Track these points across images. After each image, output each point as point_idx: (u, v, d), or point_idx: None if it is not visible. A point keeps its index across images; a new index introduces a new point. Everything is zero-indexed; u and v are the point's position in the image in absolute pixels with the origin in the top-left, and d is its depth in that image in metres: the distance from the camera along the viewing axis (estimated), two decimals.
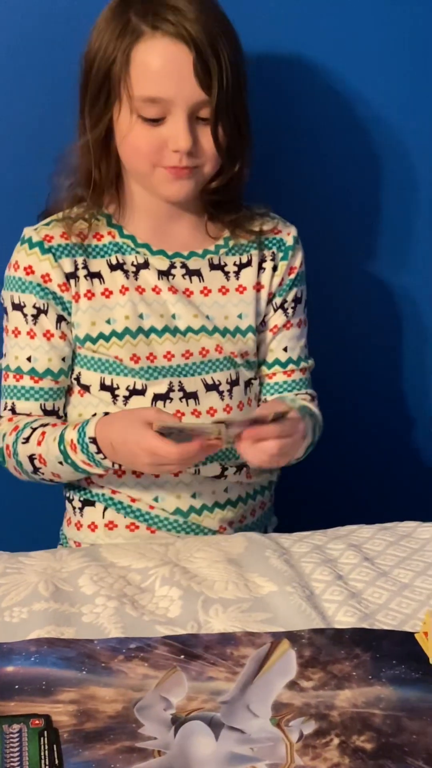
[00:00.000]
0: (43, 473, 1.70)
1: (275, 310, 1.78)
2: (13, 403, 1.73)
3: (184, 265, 1.73)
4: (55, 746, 1.15)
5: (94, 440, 1.60)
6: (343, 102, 1.99)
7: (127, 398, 1.69)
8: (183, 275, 1.72)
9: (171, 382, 1.70)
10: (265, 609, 1.41)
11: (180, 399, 1.70)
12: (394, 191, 2.07)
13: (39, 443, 1.66)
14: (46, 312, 1.70)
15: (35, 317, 1.70)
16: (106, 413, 1.66)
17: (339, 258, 2.08)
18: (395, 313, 2.14)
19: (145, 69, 1.59)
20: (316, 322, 1.85)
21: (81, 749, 1.16)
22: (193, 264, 1.73)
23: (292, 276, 1.79)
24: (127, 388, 1.69)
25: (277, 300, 1.78)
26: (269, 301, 1.77)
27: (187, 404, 1.71)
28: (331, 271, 2.04)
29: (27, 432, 1.68)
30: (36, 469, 1.70)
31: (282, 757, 1.16)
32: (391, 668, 1.30)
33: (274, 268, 1.77)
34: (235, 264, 1.75)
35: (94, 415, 1.69)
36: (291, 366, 1.80)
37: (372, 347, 2.15)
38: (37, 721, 1.19)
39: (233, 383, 1.74)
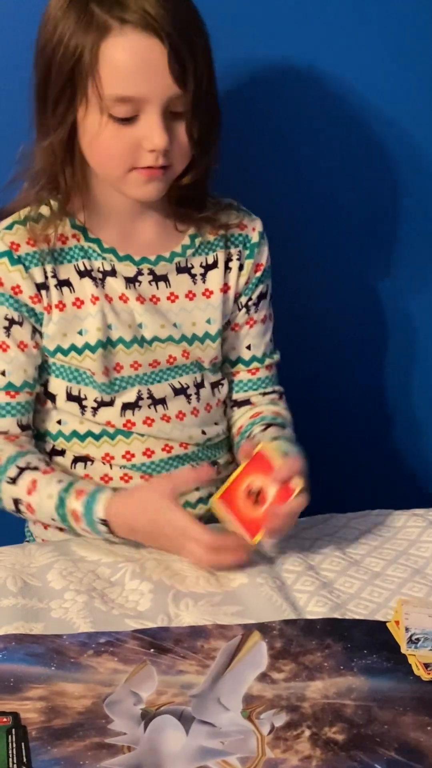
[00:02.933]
0: (24, 516, 1.62)
1: (240, 309, 1.73)
2: None
3: (151, 272, 1.65)
4: (23, 744, 1.14)
5: (105, 522, 1.51)
6: (318, 94, 1.95)
7: (95, 409, 1.64)
8: (150, 281, 1.65)
9: (140, 391, 1.65)
10: (235, 602, 1.40)
11: (149, 406, 1.66)
12: (363, 186, 2.05)
13: (29, 492, 1.56)
14: (20, 323, 1.61)
15: (7, 329, 1.60)
16: (115, 489, 1.57)
17: (308, 252, 2.06)
18: (360, 306, 2.13)
19: (116, 67, 1.47)
20: (281, 315, 1.83)
21: (49, 746, 1.14)
22: (160, 269, 1.65)
23: (259, 273, 1.72)
24: (95, 400, 1.64)
25: (243, 299, 1.72)
26: (235, 300, 1.72)
27: (156, 410, 1.66)
28: (297, 264, 2.02)
29: (12, 471, 1.58)
30: (19, 511, 1.60)
31: (253, 750, 1.15)
32: (363, 658, 1.29)
33: (240, 267, 1.70)
34: (201, 266, 1.68)
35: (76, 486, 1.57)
36: (255, 364, 1.76)
37: (334, 339, 2.13)
38: (4, 719, 1.17)
39: (199, 385, 1.70)
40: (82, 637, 1.33)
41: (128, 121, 1.49)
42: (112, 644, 1.31)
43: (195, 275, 1.68)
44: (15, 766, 1.11)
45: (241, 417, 1.77)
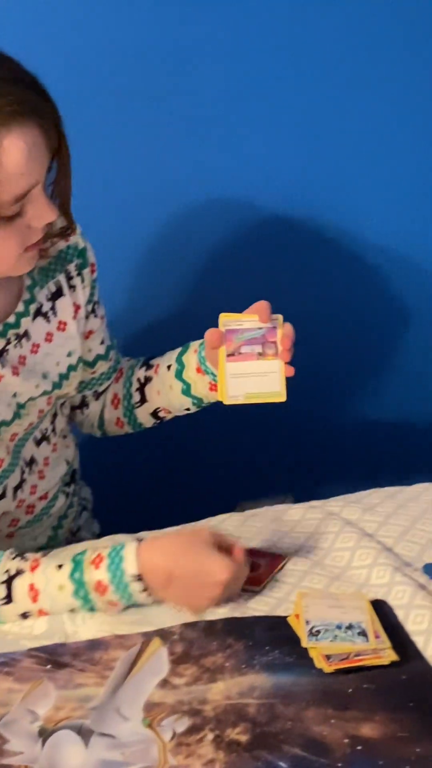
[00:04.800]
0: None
1: (87, 317, 1.62)
2: None
3: (16, 335, 1.50)
4: None
5: (139, 578, 1.35)
6: None
7: None
8: (15, 345, 1.50)
9: (22, 468, 1.58)
10: (134, 610, 1.37)
11: (28, 474, 1.60)
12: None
13: (35, 599, 1.36)
14: None
15: None
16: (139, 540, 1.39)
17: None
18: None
19: (7, 170, 1.29)
20: None
21: None
22: (22, 328, 1.51)
23: (94, 274, 1.61)
24: None
25: (89, 306, 1.61)
26: (86, 316, 1.61)
27: (30, 471, 1.60)
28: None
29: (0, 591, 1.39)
30: (26, 619, 1.39)
31: (155, 758, 1.12)
32: (265, 655, 1.27)
33: (82, 280, 1.58)
34: (47, 299, 1.54)
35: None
36: (111, 353, 1.70)
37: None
38: None
39: (54, 417, 1.64)
40: None
41: (18, 213, 1.34)
42: (7, 664, 1.28)
43: (46, 313, 1.54)
44: None
45: (110, 388, 1.72)
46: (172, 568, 1.34)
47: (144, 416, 1.69)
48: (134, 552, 1.35)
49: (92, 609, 1.37)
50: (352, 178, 2.07)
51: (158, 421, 1.70)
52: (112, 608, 1.37)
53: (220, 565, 1.33)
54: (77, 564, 1.36)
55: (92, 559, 1.36)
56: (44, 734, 1.16)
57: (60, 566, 1.37)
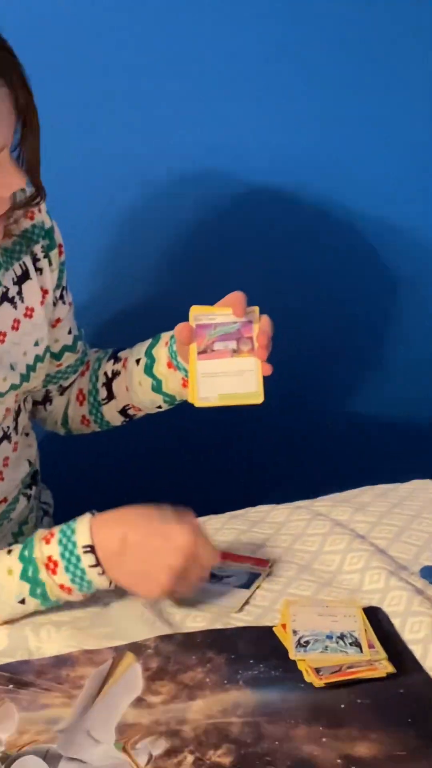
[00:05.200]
0: None
1: (55, 304, 1.54)
2: None
3: None
4: None
5: (91, 549, 1.29)
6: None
7: None
8: None
9: None
10: (104, 623, 1.29)
11: None
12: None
13: None
14: None
15: None
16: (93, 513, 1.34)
17: None
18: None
19: None
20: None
21: None
22: None
23: (62, 256, 1.53)
24: None
25: (57, 292, 1.54)
26: (54, 302, 1.54)
27: None
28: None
29: None
30: None
31: None
32: (249, 669, 1.20)
33: (50, 263, 1.51)
34: (13, 282, 1.46)
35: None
36: (78, 344, 1.61)
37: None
38: None
39: (17, 414, 1.54)
40: None
41: None
42: None
43: (13, 298, 1.46)
44: None
45: (76, 383, 1.64)
46: (125, 532, 1.28)
47: (112, 414, 1.60)
48: (87, 522, 1.29)
49: (44, 598, 1.28)
50: (347, 158, 2.03)
51: (127, 420, 1.61)
52: (64, 595, 1.29)
53: (178, 528, 1.27)
54: (27, 542, 1.31)
55: (43, 536, 1.30)
56: (6, 761, 1.08)
57: (10, 551, 1.30)
